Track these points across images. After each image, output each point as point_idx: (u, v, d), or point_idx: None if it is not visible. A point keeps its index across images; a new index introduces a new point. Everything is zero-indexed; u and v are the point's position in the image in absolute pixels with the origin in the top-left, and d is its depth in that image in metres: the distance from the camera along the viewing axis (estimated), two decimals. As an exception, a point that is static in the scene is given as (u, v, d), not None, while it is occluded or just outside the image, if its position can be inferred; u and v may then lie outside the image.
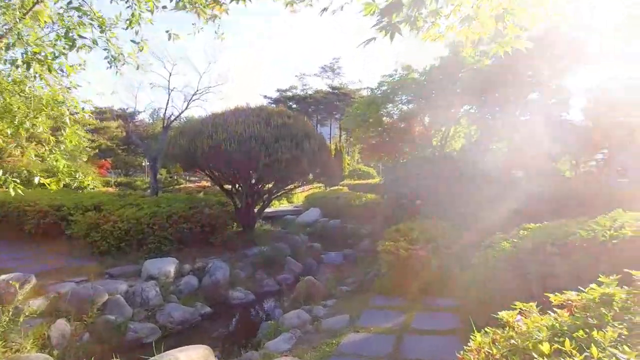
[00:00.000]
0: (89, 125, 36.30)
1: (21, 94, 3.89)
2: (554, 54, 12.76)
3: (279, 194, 11.94)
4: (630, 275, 2.36)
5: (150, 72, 11.32)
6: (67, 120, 3.77)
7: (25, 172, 8.57)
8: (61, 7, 4.08)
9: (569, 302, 2.48)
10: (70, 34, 3.49)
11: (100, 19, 4.21)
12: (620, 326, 1.95)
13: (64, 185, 5.14)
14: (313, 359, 3.95)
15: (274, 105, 20.78)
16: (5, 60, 3.89)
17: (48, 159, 4.28)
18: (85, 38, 3.61)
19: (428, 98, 14.35)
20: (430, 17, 1.88)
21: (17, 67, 3.77)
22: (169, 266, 7.22)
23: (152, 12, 3.79)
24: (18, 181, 3.53)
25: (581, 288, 2.46)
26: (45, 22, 3.96)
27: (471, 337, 2.34)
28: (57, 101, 3.76)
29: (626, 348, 1.63)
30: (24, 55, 3.85)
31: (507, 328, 2.35)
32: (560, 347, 1.73)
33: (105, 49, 4.57)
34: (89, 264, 7.58)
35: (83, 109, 4.05)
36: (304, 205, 16.81)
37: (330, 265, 9.89)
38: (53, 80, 4.46)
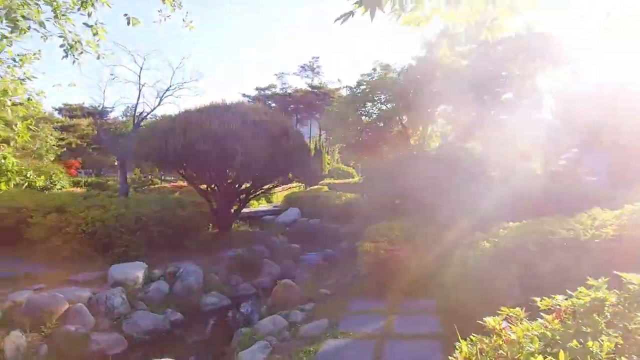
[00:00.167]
0: (57, 122, 34.72)
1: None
2: (527, 55, 13.04)
3: (257, 194, 11.63)
4: (617, 277, 2.23)
5: (120, 67, 10.72)
6: (10, 112, 3.37)
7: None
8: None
9: (557, 307, 2.31)
10: (13, 15, 3.10)
11: (55, 3, 3.83)
12: (615, 334, 1.80)
13: (29, 186, 4.70)
14: (289, 370, 3.72)
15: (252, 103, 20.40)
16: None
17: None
18: (29, 19, 3.23)
19: (406, 98, 14.46)
20: (414, -3, 1.69)
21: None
22: (137, 271, 6.80)
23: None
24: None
25: (569, 292, 2.31)
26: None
27: (456, 346, 2.16)
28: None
29: (624, 360, 1.47)
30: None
31: (494, 336, 2.17)
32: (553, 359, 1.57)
33: (60, 36, 4.19)
34: (49, 270, 7.07)
35: (29, 99, 3.65)
36: (283, 205, 16.54)
37: (310, 267, 9.66)
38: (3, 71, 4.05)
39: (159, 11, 4.20)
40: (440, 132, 17.45)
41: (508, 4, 1.70)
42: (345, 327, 4.53)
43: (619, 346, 1.72)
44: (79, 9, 3.44)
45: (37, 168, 13.65)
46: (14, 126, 4.26)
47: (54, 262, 7.35)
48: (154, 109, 10.94)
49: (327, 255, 10.64)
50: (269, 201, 18.99)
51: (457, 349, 2.06)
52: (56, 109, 43.12)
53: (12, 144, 4.21)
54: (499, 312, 2.30)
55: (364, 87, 15.53)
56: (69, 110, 42.24)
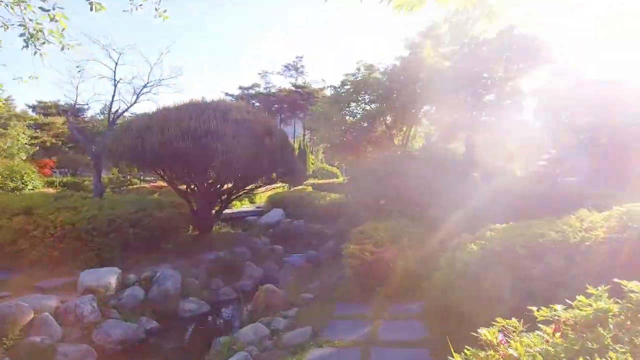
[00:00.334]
0: (31, 120, 33.28)
1: None
2: (511, 56, 13.19)
3: (239, 194, 11.32)
4: (614, 283, 2.09)
5: (94, 62, 10.20)
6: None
7: None
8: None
9: (556, 317, 2.14)
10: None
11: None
12: (623, 349, 1.64)
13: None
14: (270, 383, 3.49)
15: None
16: None
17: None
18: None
19: (389, 98, 14.44)
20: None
21: None
22: (109, 277, 6.42)
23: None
24: None
25: (560, 296, 2.15)
26: None
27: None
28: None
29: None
30: None
31: (491, 351, 1.99)
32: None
33: (20, 25, 3.85)
34: (15, 276, 6.65)
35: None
36: (267, 206, 16.24)
37: (293, 269, 9.44)
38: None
39: (130, 1, 3.91)
40: (424, 132, 17.55)
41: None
42: (330, 335, 4.33)
43: (629, 363, 1.57)
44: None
45: (7, 168, 12.94)
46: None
47: (20, 268, 6.92)
48: (131, 106, 10.48)
49: (311, 256, 10.45)
50: (252, 202, 18.66)
51: (450, 365, 1.88)
52: (30, 107, 41.53)
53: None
54: (491, 319, 2.13)
55: (348, 86, 15.45)
56: (44, 108, 40.73)
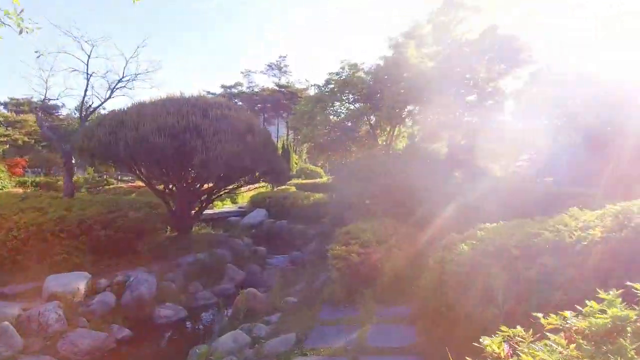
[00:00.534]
0: (1, 117, 31.75)
1: None
2: (491, 57, 13.29)
3: (220, 194, 10.93)
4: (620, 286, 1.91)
5: (65, 54, 9.61)
6: None
7: None
8: None
9: (566, 325, 1.93)
10: None
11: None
12: (648, 362, 1.45)
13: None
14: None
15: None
16: None
17: None
18: None
19: (374, 97, 14.37)
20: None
21: None
22: (78, 282, 5.98)
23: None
24: None
25: (579, 307, 1.95)
26: None
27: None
28: None
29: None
30: None
31: (496, 365, 1.77)
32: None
33: (-30, 3, 3.44)
34: (-27, 282, 6.11)
35: None
36: (249, 206, 15.87)
37: (276, 271, 9.13)
38: None
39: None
40: (408, 132, 17.54)
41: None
42: (315, 342, 4.08)
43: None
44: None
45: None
46: None
47: (-21, 273, 6.37)
48: (105, 101, 9.93)
49: (295, 258, 10.17)
50: (234, 202, 18.22)
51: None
52: (1, 104, 39.76)
53: None
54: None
55: (332, 85, 15.29)
56: (16, 105, 39.07)
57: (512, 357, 1.74)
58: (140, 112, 8.04)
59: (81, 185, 20.89)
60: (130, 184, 21.38)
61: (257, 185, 15.85)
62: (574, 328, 1.80)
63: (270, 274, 8.79)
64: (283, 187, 17.93)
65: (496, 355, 1.75)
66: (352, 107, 15.69)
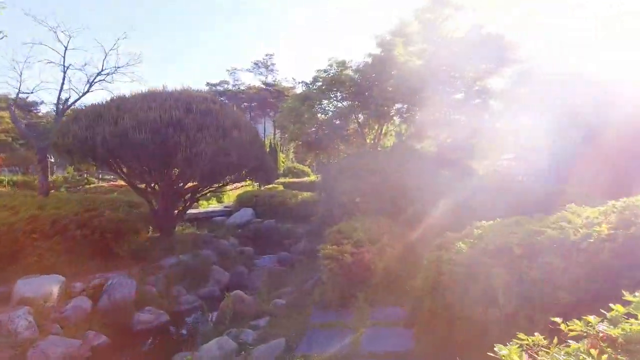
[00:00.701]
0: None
1: None
2: (477, 55, 13.29)
3: (205, 193, 10.55)
4: None
5: (42, 46, 9.09)
6: None
7: None
8: None
9: (591, 332, 1.72)
10: None
11: None
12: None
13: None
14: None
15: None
16: None
17: None
18: None
19: (362, 95, 14.23)
20: None
21: None
22: (50, 286, 5.57)
23: None
24: None
25: (602, 311, 1.75)
26: None
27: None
28: None
29: None
30: None
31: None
32: None
33: None
34: None
35: None
36: (235, 205, 15.51)
37: (264, 272, 8.83)
38: None
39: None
40: (396, 130, 17.49)
41: None
42: (306, 348, 3.83)
43: None
44: None
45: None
46: None
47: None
48: (82, 95, 9.45)
49: (284, 258, 9.90)
50: (220, 201, 17.81)
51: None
52: (-24, 100, 38.15)
53: None
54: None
55: (320, 83, 15.06)
56: (-10, 101, 37.51)
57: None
58: (120, 106, 7.62)
59: (60, 184, 20.13)
60: (112, 182, 20.77)
61: (243, 184, 15.51)
62: (600, 335, 1.60)
63: (257, 276, 8.48)
64: (270, 186, 17.63)
65: (515, 365, 1.54)
66: (340, 105, 15.51)
